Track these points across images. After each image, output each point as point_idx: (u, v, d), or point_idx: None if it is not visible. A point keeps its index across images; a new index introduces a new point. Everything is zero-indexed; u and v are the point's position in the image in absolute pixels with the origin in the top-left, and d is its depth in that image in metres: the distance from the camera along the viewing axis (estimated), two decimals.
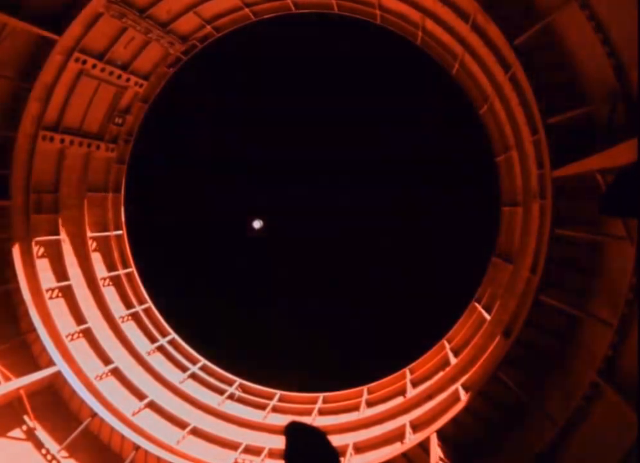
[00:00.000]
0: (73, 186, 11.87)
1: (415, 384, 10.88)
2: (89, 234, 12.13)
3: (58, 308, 10.83)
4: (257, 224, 22.55)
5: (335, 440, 9.74)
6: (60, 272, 11.24)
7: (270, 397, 12.24)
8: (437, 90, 17.51)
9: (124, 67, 11.75)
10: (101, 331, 11.55)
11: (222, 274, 23.23)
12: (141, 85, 12.48)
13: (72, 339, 10.76)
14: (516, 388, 7.90)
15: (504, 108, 9.13)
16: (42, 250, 10.84)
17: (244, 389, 12.56)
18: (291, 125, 22.44)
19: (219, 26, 12.49)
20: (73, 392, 9.95)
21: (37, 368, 9.87)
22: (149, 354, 12.24)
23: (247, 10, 12.04)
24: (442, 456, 7.90)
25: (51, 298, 10.72)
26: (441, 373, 10.26)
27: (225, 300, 22.09)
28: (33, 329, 10.07)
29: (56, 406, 9.94)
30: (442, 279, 21.05)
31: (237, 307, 22.54)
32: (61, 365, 10.03)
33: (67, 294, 11.23)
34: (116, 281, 12.77)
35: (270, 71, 21.90)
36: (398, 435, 9.40)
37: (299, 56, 20.51)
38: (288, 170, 23.31)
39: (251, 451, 10.23)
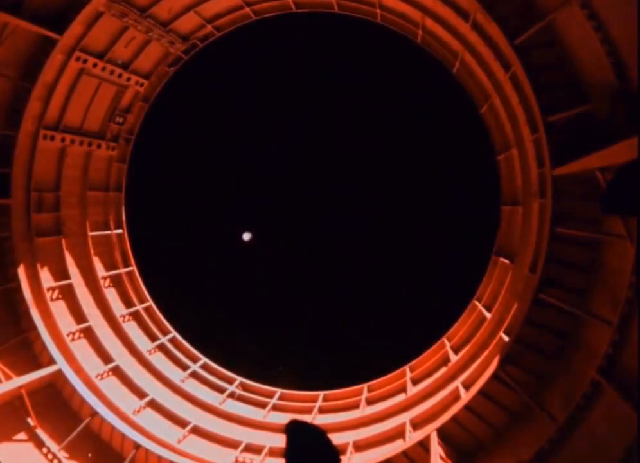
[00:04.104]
0: (74, 185, 11.89)
1: (415, 382, 10.89)
2: (90, 233, 12.14)
3: (58, 307, 10.85)
4: (247, 236, 23.10)
5: (336, 439, 9.76)
6: (61, 271, 11.25)
7: (270, 396, 12.25)
8: (438, 90, 17.51)
9: (125, 66, 11.76)
10: (101, 330, 11.57)
11: (221, 274, 23.27)
12: (142, 85, 12.48)
13: (73, 338, 10.77)
14: (516, 386, 7.91)
15: (505, 107, 9.13)
16: (42, 249, 10.85)
17: (244, 387, 12.58)
18: (290, 125, 22.44)
19: (219, 26, 12.48)
20: (74, 391, 9.97)
21: (38, 366, 9.88)
22: (150, 352, 12.25)
23: (247, 9, 12.03)
24: (442, 454, 7.92)
25: (51, 296, 10.73)
26: (441, 371, 10.27)
27: (225, 299, 22.12)
28: (34, 328, 10.08)
29: (57, 404, 9.95)
30: (442, 278, 21.06)
31: (237, 306, 22.56)
32: (62, 364, 10.05)
33: (68, 293, 11.25)
34: (117, 280, 12.79)
35: (270, 71, 21.89)
36: (398, 433, 9.42)
37: (299, 55, 20.51)
38: (285, 172, 23.36)
39: (252, 449, 10.24)
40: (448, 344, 10.89)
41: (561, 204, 7.35)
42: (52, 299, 10.71)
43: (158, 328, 13.07)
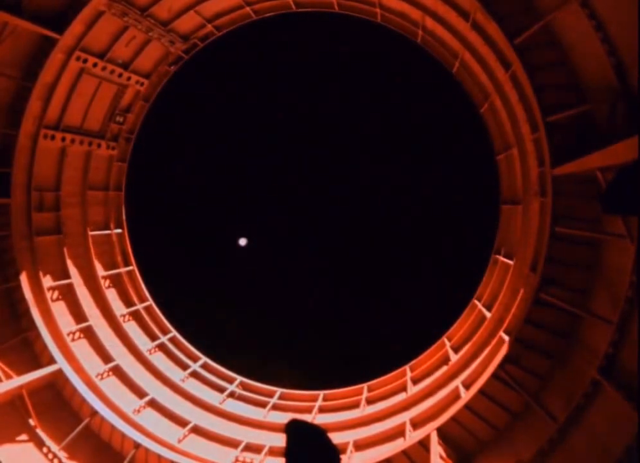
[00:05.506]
0: (74, 185, 11.89)
1: (415, 381, 10.89)
2: (90, 232, 12.14)
3: (59, 306, 10.85)
4: (242, 241, 23.32)
5: (336, 438, 9.77)
6: (61, 271, 11.25)
7: (270, 395, 12.25)
8: (438, 90, 17.50)
9: (126, 65, 11.75)
10: (102, 329, 11.57)
11: (221, 274, 23.26)
12: (142, 84, 12.48)
13: (73, 338, 10.78)
14: (516, 385, 7.91)
15: (505, 106, 9.13)
16: (43, 248, 10.85)
17: (245, 387, 12.58)
18: (289, 126, 22.44)
19: (220, 25, 12.47)
20: (74, 390, 9.97)
21: (38, 366, 9.89)
22: (150, 351, 12.25)
23: (247, 9, 12.03)
24: (442, 454, 7.92)
25: (51, 296, 10.73)
26: (441, 371, 10.28)
27: (225, 299, 22.12)
28: (34, 327, 10.09)
29: (57, 404, 9.96)
30: (442, 277, 21.06)
31: (238, 305, 22.56)
32: (62, 363, 10.06)
33: (68, 292, 11.25)
34: (117, 280, 12.79)
35: (270, 70, 21.88)
36: (399, 433, 9.42)
37: (299, 54, 20.50)
38: (284, 172, 23.37)
39: (252, 449, 10.25)
40: (448, 344, 10.89)
41: (562, 203, 7.35)
42: (52, 299, 10.70)
43: (158, 328, 13.07)
